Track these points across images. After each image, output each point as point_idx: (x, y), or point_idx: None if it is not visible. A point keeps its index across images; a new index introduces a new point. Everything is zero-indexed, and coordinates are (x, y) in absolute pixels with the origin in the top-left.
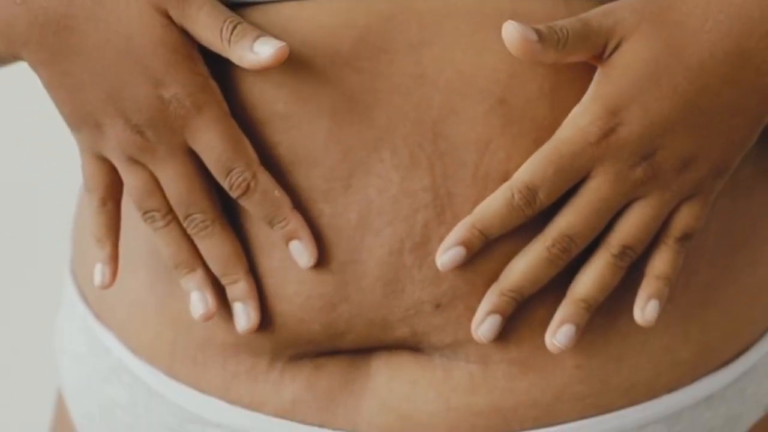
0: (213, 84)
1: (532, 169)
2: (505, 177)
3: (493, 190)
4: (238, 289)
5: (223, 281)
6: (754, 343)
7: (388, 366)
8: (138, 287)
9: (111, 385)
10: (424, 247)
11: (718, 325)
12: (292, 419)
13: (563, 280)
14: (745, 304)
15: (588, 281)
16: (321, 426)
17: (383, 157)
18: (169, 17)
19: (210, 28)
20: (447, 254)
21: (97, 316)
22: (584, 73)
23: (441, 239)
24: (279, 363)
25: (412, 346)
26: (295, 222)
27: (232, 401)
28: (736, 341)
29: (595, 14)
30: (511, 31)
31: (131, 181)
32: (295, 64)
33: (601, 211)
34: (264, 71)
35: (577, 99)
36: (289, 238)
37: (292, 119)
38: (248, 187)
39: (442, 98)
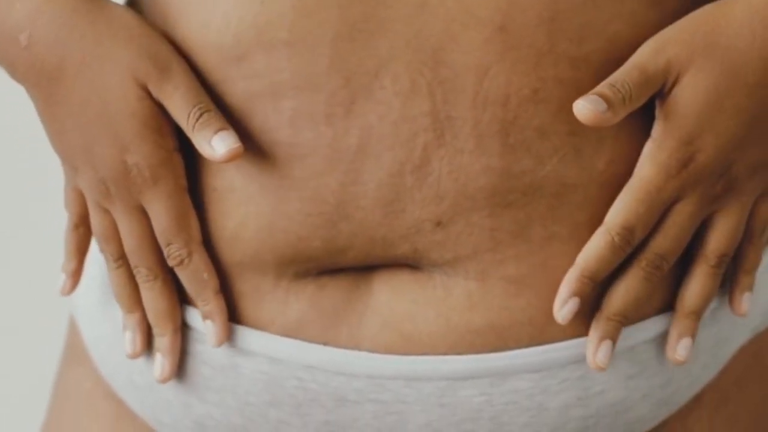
0: (176, 158)
1: (625, 210)
2: (505, 101)
3: (492, 113)
4: (162, 343)
5: (153, 331)
6: None
7: (389, 285)
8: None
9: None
10: (424, 168)
11: None
12: (297, 338)
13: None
14: None
15: (694, 295)
16: (325, 344)
17: (384, 83)
18: (147, 90)
19: (180, 110)
20: (565, 309)
21: None
22: (582, 1)
23: (440, 160)
24: (283, 281)
25: (412, 264)
26: (215, 306)
27: (239, 321)
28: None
29: (647, 56)
30: (583, 111)
31: (94, 221)
32: None
33: (687, 230)
34: (269, 0)
35: (576, 25)
36: (205, 317)
37: (295, 47)
38: (182, 262)
39: (443, 26)
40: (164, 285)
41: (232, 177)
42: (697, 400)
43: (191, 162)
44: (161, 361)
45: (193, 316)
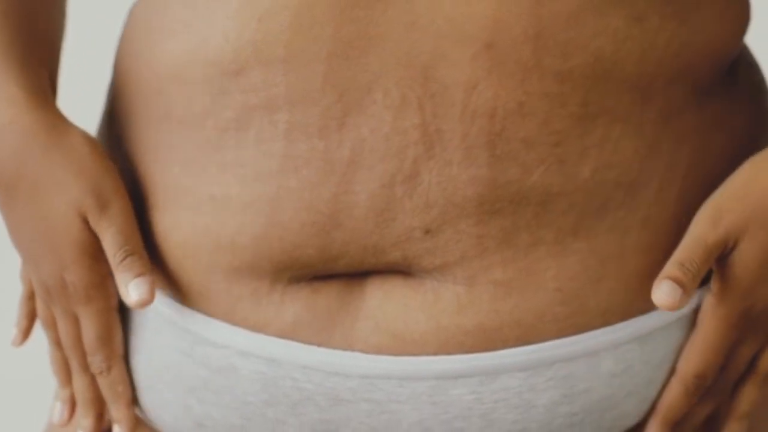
0: (109, 282)
1: (695, 361)
2: (492, 114)
3: (479, 126)
4: (83, 424)
5: (78, 411)
6: None
7: (382, 290)
8: (145, 219)
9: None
10: (414, 179)
11: None
12: (293, 339)
13: (543, 209)
14: None
15: (745, 402)
16: (320, 345)
17: (376, 98)
18: (87, 222)
19: (109, 247)
20: None
21: None
22: (566, 17)
23: (430, 171)
24: (279, 286)
25: (403, 270)
26: (124, 416)
27: (237, 323)
28: None
29: (706, 227)
30: (664, 302)
31: (38, 307)
32: (295, 12)
33: (748, 363)
34: (266, 18)
35: (560, 42)
36: (114, 421)
37: (291, 63)
38: (101, 373)
39: (433, 44)
40: (92, 378)
41: (229, 186)
42: None
43: (189, 169)
44: None
45: (192, 319)
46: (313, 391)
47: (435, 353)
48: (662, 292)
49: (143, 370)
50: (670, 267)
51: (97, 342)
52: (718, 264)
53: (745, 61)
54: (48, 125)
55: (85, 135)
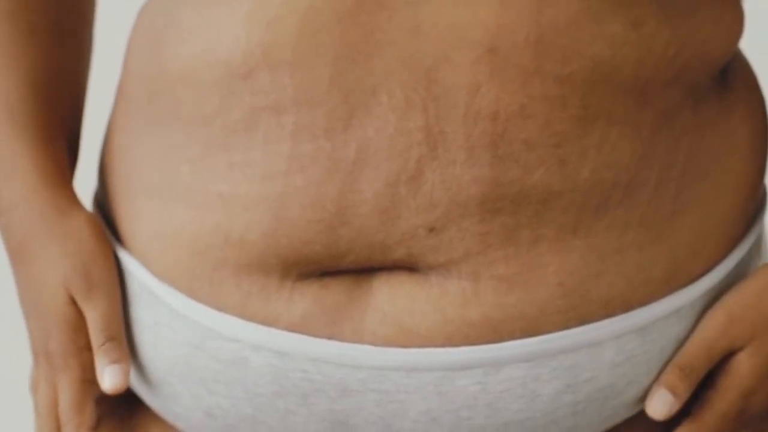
0: (86, 356)
1: None
2: (494, 116)
3: (482, 128)
4: None
5: None
6: (719, 262)
7: (388, 285)
8: (156, 216)
9: (135, 308)
10: (419, 178)
11: (685, 247)
12: (303, 333)
13: (544, 208)
14: (709, 227)
15: None
16: (330, 338)
17: (381, 100)
18: (73, 298)
19: (91, 329)
20: None
21: (121, 243)
22: (565, 23)
23: (433, 171)
24: (288, 282)
25: (409, 266)
26: None
27: (248, 318)
28: (702, 261)
29: (713, 335)
30: (659, 413)
31: (31, 374)
32: (303, 17)
33: None
34: (275, 22)
35: (560, 47)
36: None
37: (298, 65)
38: None
39: (436, 48)
40: None
41: (237, 184)
42: None
43: (198, 168)
44: None
45: (204, 314)
46: (323, 382)
47: (441, 345)
48: (657, 402)
49: (154, 364)
50: (670, 372)
51: (69, 411)
52: (721, 364)
53: (738, 64)
54: (55, 206)
55: (88, 217)
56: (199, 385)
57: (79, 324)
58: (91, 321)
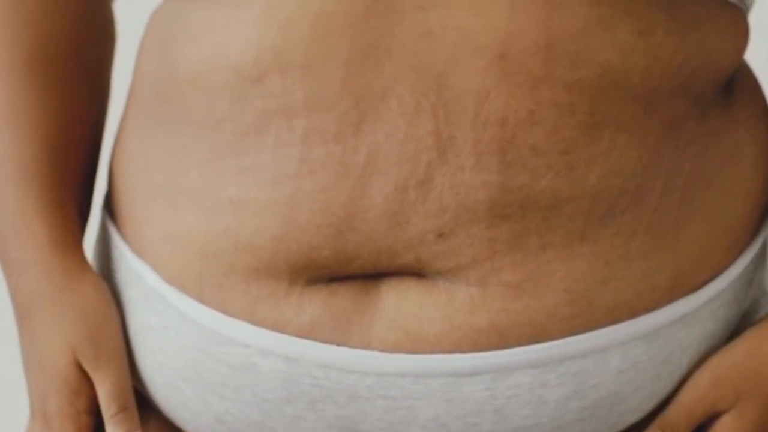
0: (83, 420)
1: None
2: (503, 122)
3: (491, 133)
4: None
5: None
6: (724, 269)
7: (396, 291)
8: (165, 220)
9: (144, 312)
10: (428, 183)
11: (691, 254)
12: (311, 339)
13: (551, 214)
14: (715, 235)
15: None
16: (338, 345)
17: (391, 105)
18: (78, 362)
19: (103, 400)
20: None
21: (132, 248)
22: (575, 30)
23: (443, 177)
24: (297, 287)
25: (417, 272)
26: None
27: (257, 323)
28: (708, 268)
29: (699, 394)
30: None
31: (29, 424)
32: (314, 21)
33: None
34: (286, 26)
35: (569, 53)
36: None
37: (309, 69)
38: None
39: (446, 53)
40: None
41: (248, 188)
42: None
43: (208, 172)
44: None
45: (213, 318)
46: (331, 388)
47: (449, 351)
48: None
49: (163, 368)
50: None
51: None
52: (710, 422)
53: (743, 75)
54: (66, 271)
55: (97, 282)
56: (208, 390)
57: (79, 387)
58: (102, 390)
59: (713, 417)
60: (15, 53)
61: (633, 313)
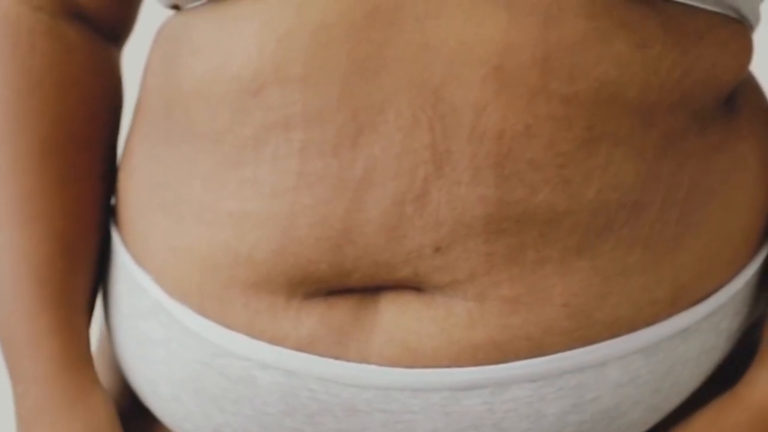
0: None
1: None
2: (500, 136)
3: (487, 147)
4: None
5: None
6: (726, 282)
7: (395, 305)
8: (169, 232)
9: (147, 323)
10: (424, 197)
11: (691, 268)
12: (310, 352)
13: (549, 228)
14: (716, 248)
15: None
16: (336, 358)
17: (388, 118)
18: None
19: None
20: None
21: (136, 259)
22: (572, 42)
23: (439, 191)
24: (295, 300)
25: (415, 286)
26: None
27: (256, 336)
28: (708, 282)
29: None
30: None
31: None
32: (313, 33)
33: None
34: (285, 38)
35: (566, 66)
36: None
37: (308, 82)
38: None
39: (444, 65)
40: None
41: (247, 201)
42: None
43: (210, 185)
44: None
45: (213, 331)
46: (330, 402)
47: (447, 365)
48: None
49: (166, 381)
50: None
51: None
52: None
53: (748, 87)
54: (77, 386)
55: (106, 399)
56: (210, 402)
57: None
58: None
59: None
60: (32, 138)
61: (632, 326)
